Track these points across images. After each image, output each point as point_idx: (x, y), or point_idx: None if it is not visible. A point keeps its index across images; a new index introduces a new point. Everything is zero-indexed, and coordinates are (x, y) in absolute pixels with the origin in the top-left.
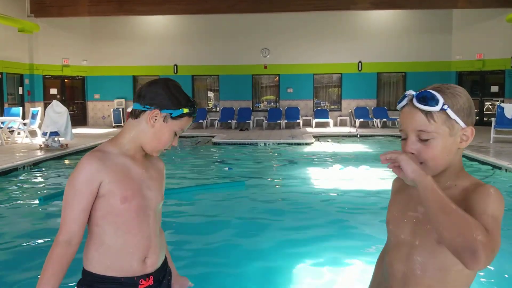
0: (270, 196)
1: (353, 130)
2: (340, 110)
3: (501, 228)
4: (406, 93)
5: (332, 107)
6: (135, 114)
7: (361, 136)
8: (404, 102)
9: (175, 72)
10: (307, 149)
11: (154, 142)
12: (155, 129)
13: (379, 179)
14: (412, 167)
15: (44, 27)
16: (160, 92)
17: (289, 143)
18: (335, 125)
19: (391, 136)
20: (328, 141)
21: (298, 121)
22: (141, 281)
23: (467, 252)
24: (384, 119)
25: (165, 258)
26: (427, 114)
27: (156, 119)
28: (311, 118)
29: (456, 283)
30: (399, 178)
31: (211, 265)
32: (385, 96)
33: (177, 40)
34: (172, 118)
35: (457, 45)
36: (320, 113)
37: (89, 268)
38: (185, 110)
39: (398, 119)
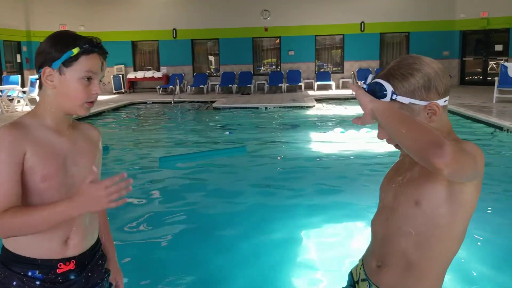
0: (271, 161)
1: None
2: (343, 72)
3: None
4: (365, 82)
5: (335, 69)
6: (40, 84)
7: None
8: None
9: (174, 36)
10: (308, 112)
11: (66, 101)
12: (58, 87)
13: (380, 142)
14: (369, 97)
15: None
16: (42, 49)
17: (290, 107)
18: (337, 87)
19: None
20: (330, 104)
21: (299, 84)
22: (60, 265)
23: (432, 148)
24: None
25: (98, 241)
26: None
27: (51, 78)
28: (313, 81)
29: (434, 251)
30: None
31: (210, 233)
32: (388, 57)
33: (176, 4)
34: (65, 66)
35: (461, 3)
36: (322, 75)
37: (7, 246)
38: (75, 50)
39: None
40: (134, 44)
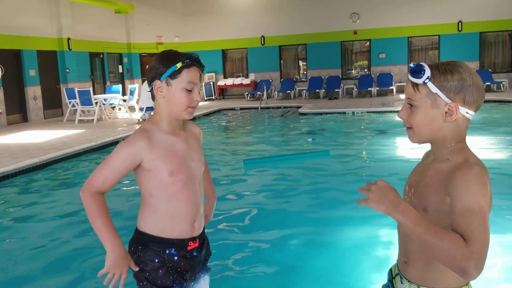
0: (355, 165)
1: None
2: None
3: None
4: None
5: None
6: (153, 96)
7: None
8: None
9: (263, 43)
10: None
11: (174, 107)
12: (166, 96)
13: (479, 150)
14: (384, 204)
15: (138, 7)
16: (152, 66)
17: (379, 112)
18: None
19: (495, 101)
20: None
21: (391, 87)
22: (190, 243)
23: (458, 272)
24: (488, 83)
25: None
26: (414, 85)
27: (161, 89)
28: (405, 84)
29: None
30: (427, 151)
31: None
32: (490, 57)
33: (264, 11)
34: (171, 78)
35: None
36: None
37: (144, 230)
38: (179, 65)
39: (502, 82)
40: (224, 52)
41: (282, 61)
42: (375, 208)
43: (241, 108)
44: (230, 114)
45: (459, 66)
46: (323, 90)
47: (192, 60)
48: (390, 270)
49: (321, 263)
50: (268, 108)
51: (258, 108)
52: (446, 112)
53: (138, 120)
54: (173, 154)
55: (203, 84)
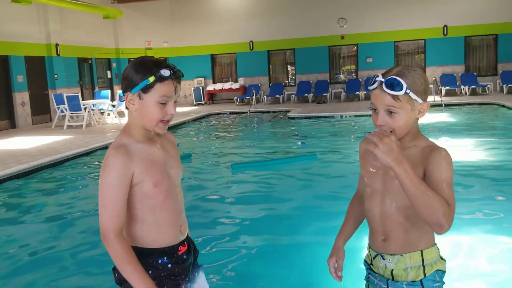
0: (343, 168)
1: (437, 99)
2: None
3: None
4: (376, 78)
5: None
6: (126, 106)
7: (446, 105)
8: (374, 86)
9: (251, 48)
10: None
11: (146, 121)
12: (138, 109)
13: (462, 152)
14: (391, 157)
15: (127, 12)
16: (125, 75)
17: (367, 115)
18: None
19: (481, 104)
20: None
21: None
22: (180, 248)
23: (435, 226)
24: (473, 86)
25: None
26: (394, 96)
27: (133, 101)
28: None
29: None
30: (365, 141)
31: (277, 235)
32: (475, 61)
33: (252, 17)
34: (144, 92)
35: None
36: None
37: (133, 244)
38: (151, 79)
39: (487, 86)
40: (213, 57)
41: (270, 66)
42: (380, 157)
43: (231, 113)
44: (220, 118)
45: (416, 70)
46: (312, 94)
47: (166, 73)
48: (365, 260)
49: (308, 267)
50: (258, 112)
51: (247, 112)
52: (419, 111)
53: None
54: (154, 164)
55: (193, 89)
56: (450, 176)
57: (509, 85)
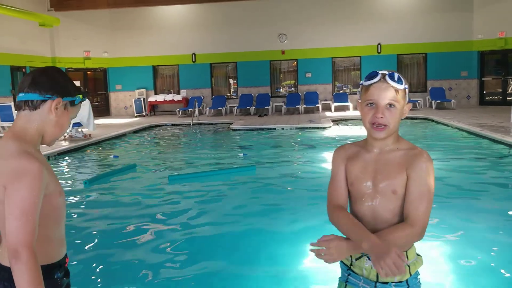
0: (283, 181)
1: None
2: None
3: None
4: (378, 72)
5: (353, 90)
6: (33, 105)
7: None
8: (377, 79)
9: (194, 60)
10: (325, 133)
11: (56, 130)
12: (58, 117)
13: None
14: (344, 257)
15: (65, 21)
16: (58, 80)
17: (307, 128)
18: (355, 108)
19: (412, 118)
20: (347, 124)
21: (317, 105)
22: (66, 260)
23: (414, 240)
24: None
25: None
26: (396, 89)
27: (58, 108)
28: (330, 102)
29: (401, 212)
30: (345, 147)
31: (212, 253)
32: (406, 77)
33: (195, 29)
34: (71, 105)
35: (478, 24)
36: (340, 97)
37: (40, 262)
38: (81, 96)
39: (417, 101)
40: (155, 68)
41: (213, 79)
42: (340, 259)
43: (173, 124)
44: (161, 130)
45: (400, 75)
46: (254, 107)
47: (84, 97)
48: (342, 262)
49: (245, 276)
50: (200, 124)
51: (190, 124)
52: (404, 111)
53: (64, 136)
54: (53, 174)
55: (134, 100)
56: (431, 182)
57: (437, 101)
